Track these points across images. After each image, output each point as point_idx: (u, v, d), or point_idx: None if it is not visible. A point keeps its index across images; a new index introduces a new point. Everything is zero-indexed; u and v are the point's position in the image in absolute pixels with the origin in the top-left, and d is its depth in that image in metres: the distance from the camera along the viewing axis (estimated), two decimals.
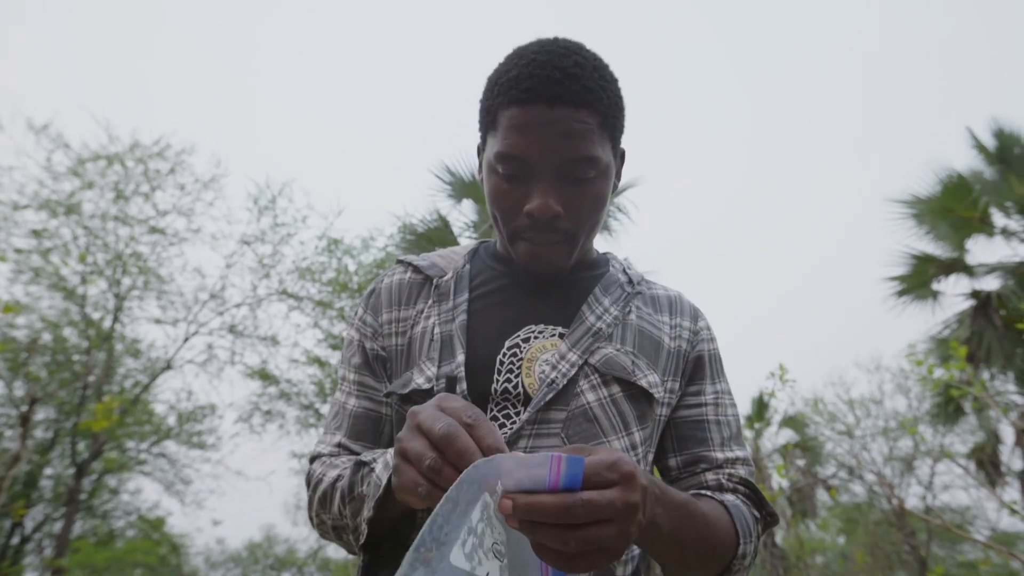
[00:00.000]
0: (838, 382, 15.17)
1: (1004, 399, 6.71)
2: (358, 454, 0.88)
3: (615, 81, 0.85)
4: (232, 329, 9.85)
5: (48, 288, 9.07)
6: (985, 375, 6.47)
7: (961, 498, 12.95)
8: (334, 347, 9.19)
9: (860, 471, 10.89)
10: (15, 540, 10.64)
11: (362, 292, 8.77)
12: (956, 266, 6.96)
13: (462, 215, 6.99)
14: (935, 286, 7.08)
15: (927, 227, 7.03)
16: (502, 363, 0.85)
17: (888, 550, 10.94)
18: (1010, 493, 7.83)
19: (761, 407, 9.90)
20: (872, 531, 11.22)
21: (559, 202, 0.82)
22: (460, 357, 0.84)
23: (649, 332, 0.92)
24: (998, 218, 6.79)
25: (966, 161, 7.42)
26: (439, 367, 0.85)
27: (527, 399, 0.83)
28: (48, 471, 10.90)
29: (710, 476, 0.89)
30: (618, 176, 0.91)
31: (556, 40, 0.84)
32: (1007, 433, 7.57)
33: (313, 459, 0.91)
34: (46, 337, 9.13)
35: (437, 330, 0.88)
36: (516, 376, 0.84)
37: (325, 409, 9.64)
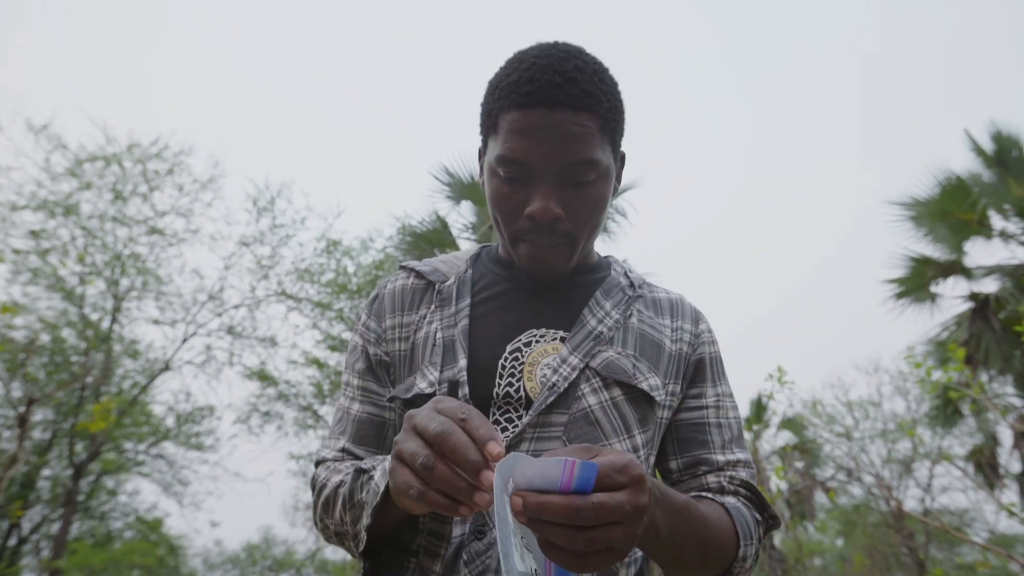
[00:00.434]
0: (837, 384, 15.18)
1: (1002, 401, 6.72)
2: (362, 459, 0.89)
3: (615, 85, 0.86)
4: (231, 330, 9.84)
5: (46, 289, 9.06)
6: (983, 377, 6.48)
7: (959, 500, 12.97)
8: (333, 348, 9.18)
9: (859, 473, 10.90)
10: (12, 541, 10.62)
11: (361, 293, 8.82)
12: (954, 268, 6.97)
13: (461, 216, 7.00)
14: (934, 288, 7.08)
15: (926, 229, 7.04)
16: (504, 367, 0.85)
17: (886, 552, 10.95)
18: (1008, 495, 7.84)
19: (760, 409, 9.90)
20: (870, 533, 11.23)
21: (560, 205, 0.82)
22: (462, 362, 0.85)
23: (650, 335, 0.92)
24: (996, 220, 6.80)
25: (964, 164, 7.43)
26: (442, 372, 0.85)
27: (529, 403, 0.83)
28: (46, 472, 10.88)
29: (711, 479, 0.89)
30: (618, 179, 0.92)
31: (556, 44, 0.85)
32: (1005, 435, 7.58)
33: (318, 463, 0.92)
34: (44, 338, 9.12)
35: (440, 335, 0.89)
36: (518, 380, 0.84)
37: (324, 410, 9.64)
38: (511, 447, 0.80)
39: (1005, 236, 6.75)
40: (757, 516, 0.86)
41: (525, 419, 0.81)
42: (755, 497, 0.88)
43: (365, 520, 0.74)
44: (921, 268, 7.06)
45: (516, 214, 0.84)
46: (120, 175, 9.18)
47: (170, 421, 11.08)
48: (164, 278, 9.75)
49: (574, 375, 0.84)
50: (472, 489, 0.55)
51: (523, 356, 0.86)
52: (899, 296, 7.18)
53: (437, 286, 0.94)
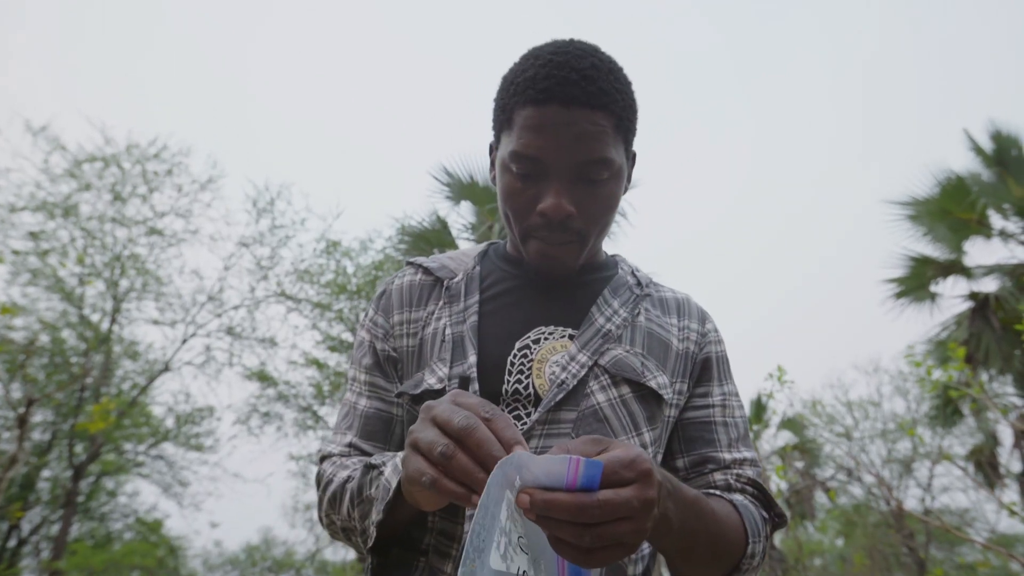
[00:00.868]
0: (836, 384, 15.17)
1: (1002, 401, 6.72)
2: (369, 454, 0.89)
3: (629, 84, 0.86)
4: (230, 331, 9.84)
5: (46, 290, 9.06)
6: (983, 377, 6.48)
7: (960, 500, 12.96)
8: (332, 349, 9.18)
9: (859, 473, 10.90)
10: (12, 542, 10.61)
11: (360, 294, 8.82)
12: (954, 268, 6.97)
13: (460, 217, 6.99)
14: (933, 288, 7.09)
15: (925, 229, 7.04)
16: (513, 364, 0.85)
17: (887, 552, 10.95)
18: (1009, 495, 7.84)
19: (760, 409, 9.90)
20: (871, 533, 11.23)
21: (572, 202, 0.82)
22: (472, 358, 0.85)
23: (658, 334, 0.92)
24: (996, 220, 6.81)
25: (964, 163, 7.43)
26: (451, 368, 0.85)
27: (537, 400, 0.83)
28: (46, 473, 10.87)
29: (718, 476, 0.89)
30: (628, 179, 0.92)
31: (572, 42, 0.85)
32: (1005, 435, 7.58)
33: (323, 458, 0.92)
34: (44, 339, 9.11)
35: (448, 331, 0.88)
36: (527, 377, 0.84)
37: (324, 411, 9.63)
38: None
39: (1004, 235, 6.75)
40: (764, 514, 0.87)
41: (534, 416, 0.81)
42: (762, 495, 0.88)
43: (375, 516, 0.74)
44: (921, 268, 7.07)
45: (528, 210, 0.84)
46: (119, 176, 9.19)
47: (170, 422, 11.08)
48: (163, 279, 9.76)
49: (583, 372, 0.84)
50: None
51: (532, 353, 0.86)
52: (899, 296, 7.18)
53: (445, 282, 0.94)
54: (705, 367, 0.95)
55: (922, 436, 8.94)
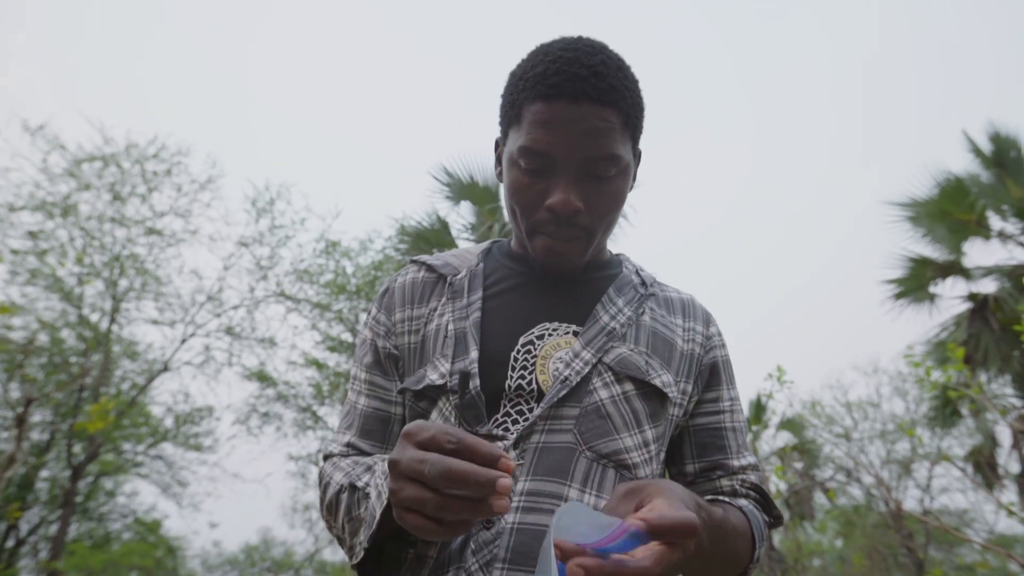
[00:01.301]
0: (836, 385, 15.20)
1: (1001, 402, 6.72)
2: (367, 453, 0.90)
3: (637, 83, 0.87)
4: (230, 331, 9.84)
5: (44, 289, 9.05)
6: (982, 378, 6.48)
7: (959, 501, 12.96)
8: (332, 349, 9.18)
9: (858, 474, 10.91)
10: (10, 542, 10.59)
11: (359, 295, 8.82)
12: (953, 269, 6.97)
13: (460, 217, 6.99)
14: (932, 289, 7.09)
15: (924, 230, 7.04)
16: (516, 360, 0.85)
17: (886, 553, 10.95)
18: (1007, 495, 7.84)
19: (759, 409, 9.90)
20: (870, 534, 11.22)
21: (580, 198, 0.83)
22: (474, 353, 0.85)
23: (662, 333, 0.93)
24: (995, 221, 6.81)
25: (963, 164, 7.44)
26: (453, 363, 0.85)
27: (540, 395, 0.83)
28: (44, 473, 10.86)
29: (725, 483, 0.91)
30: (634, 177, 0.92)
31: (581, 39, 0.85)
32: (1004, 435, 7.58)
33: (326, 457, 0.93)
34: (43, 338, 9.10)
35: (451, 327, 0.89)
36: (530, 373, 0.84)
37: (323, 411, 9.64)
38: (522, 439, 0.81)
39: (1003, 236, 6.76)
40: (765, 517, 0.89)
41: (536, 411, 0.82)
42: (763, 499, 0.90)
43: (364, 542, 0.75)
44: (920, 268, 7.07)
45: (535, 206, 0.85)
46: (118, 176, 9.18)
47: (169, 422, 11.08)
48: (163, 279, 9.75)
49: (586, 370, 0.84)
50: (493, 479, 0.54)
51: (536, 349, 0.86)
52: (898, 296, 7.19)
53: (449, 279, 0.94)
54: (713, 372, 0.96)
55: (921, 437, 8.95)
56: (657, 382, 0.87)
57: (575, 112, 0.79)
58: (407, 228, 7.13)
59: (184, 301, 9.80)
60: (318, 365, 9.26)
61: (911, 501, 11.57)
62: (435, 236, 6.81)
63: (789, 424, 10.83)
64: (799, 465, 10.74)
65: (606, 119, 0.80)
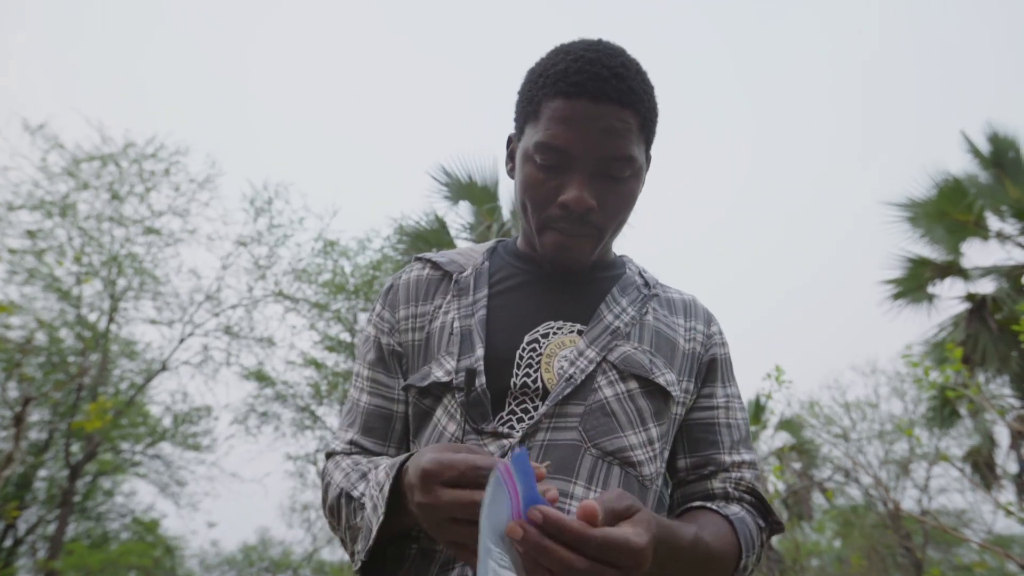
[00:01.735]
0: (834, 385, 15.21)
1: (999, 402, 6.72)
2: (370, 451, 0.91)
3: (653, 88, 0.88)
4: (228, 330, 9.83)
5: (43, 289, 9.04)
6: (980, 378, 6.48)
7: (957, 501, 12.97)
8: (330, 349, 9.17)
9: (856, 474, 10.91)
10: (8, 542, 10.57)
11: (358, 294, 8.81)
12: (951, 269, 6.98)
13: (459, 217, 6.98)
14: (931, 289, 7.09)
15: (923, 230, 7.05)
16: (521, 358, 0.86)
17: (884, 553, 10.95)
18: (1005, 495, 7.85)
19: (758, 409, 9.90)
20: (868, 534, 11.23)
21: (593, 196, 0.83)
22: (479, 351, 0.85)
23: (665, 333, 0.93)
24: (993, 222, 6.82)
25: (961, 165, 7.45)
26: (459, 360, 0.86)
27: (546, 393, 0.84)
28: (42, 473, 10.84)
29: (716, 483, 0.90)
30: (644, 181, 0.93)
31: (601, 41, 0.87)
32: (1002, 436, 7.59)
33: (328, 455, 0.93)
34: (41, 338, 9.09)
35: (456, 324, 0.89)
36: (535, 371, 0.85)
37: (322, 411, 9.63)
38: (527, 436, 0.81)
39: (1002, 237, 6.76)
40: (761, 522, 0.88)
41: (541, 409, 0.82)
42: (759, 503, 0.89)
43: (361, 553, 0.75)
44: (918, 269, 7.08)
45: (548, 201, 0.85)
46: (117, 175, 9.17)
47: (167, 421, 11.07)
48: (161, 278, 9.74)
49: (591, 368, 0.85)
50: None
51: (540, 347, 0.86)
52: (896, 297, 7.19)
53: (455, 276, 0.95)
54: (710, 369, 0.97)
55: (919, 437, 8.96)
56: (661, 380, 0.87)
57: (595, 111, 0.80)
58: (405, 228, 7.13)
59: (182, 300, 9.80)
60: (316, 365, 9.26)
61: (909, 501, 11.58)
62: (433, 236, 6.81)
63: (787, 424, 10.84)
64: (797, 465, 10.75)
65: (624, 120, 0.81)
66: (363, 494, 0.78)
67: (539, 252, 0.91)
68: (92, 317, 9.62)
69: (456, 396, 0.84)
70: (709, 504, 0.86)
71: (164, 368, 9.95)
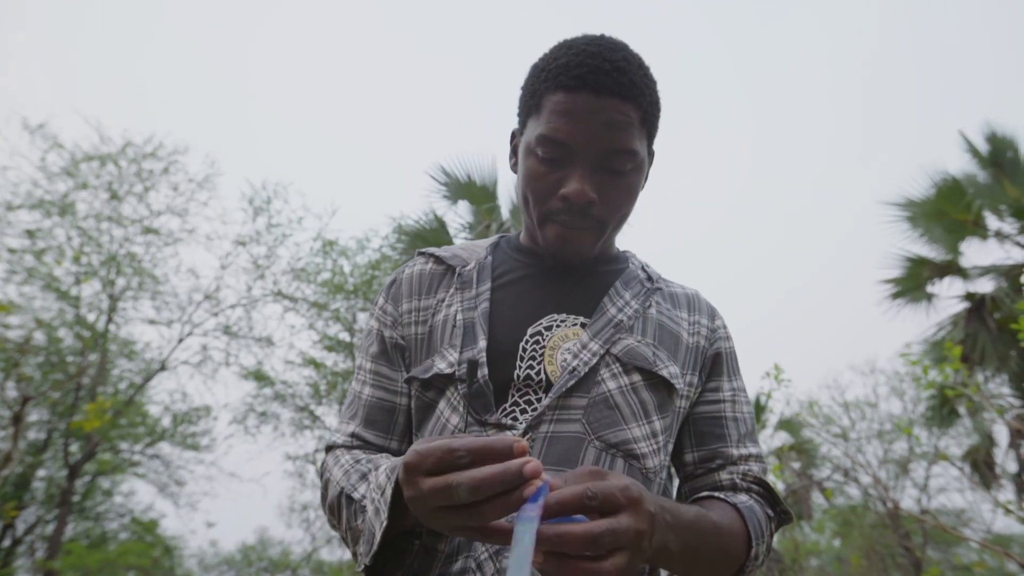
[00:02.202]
0: (833, 385, 15.21)
1: (998, 401, 6.73)
2: (372, 444, 0.91)
3: (656, 83, 0.88)
4: (227, 330, 9.83)
5: (42, 288, 9.03)
6: (979, 377, 6.49)
7: (956, 500, 12.97)
8: (329, 348, 9.17)
9: (855, 473, 10.92)
10: (7, 542, 10.56)
11: (357, 294, 8.81)
12: (950, 269, 6.99)
13: (458, 216, 6.99)
14: (929, 288, 7.10)
15: (921, 230, 7.06)
16: (524, 350, 0.86)
17: (883, 552, 10.96)
18: (1005, 494, 7.86)
19: (757, 409, 9.91)
20: (867, 533, 11.23)
21: (594, 190, 0.84)
22: (482, 343, 0.85)
23: (669, 327, 0.93)
24: (992, 221, 6.83)
25: (960, 164, 7.45)
26: (461, 353, 0.86)
27: (549, 386, 0.84)
28: (41, 472, 10.83)
29: (724, 476, 0.90)
30: (647, 176, 0.94)
31: (603, 36, 0.87)
32: (1001, 435, 7.60)
33: (328, 449, 0.92)
34: (39, 337, 9.08)
35: (459, 317, 0.89)
36: (538, 363, 0.85)
37: (321, 411, 9.63)
38: (531, 428, 0.81)
39: (1000, 236, 6.77)
40: (769, 512, 0.87)
41: (545, 401, 0.82)
42: (767, 493, 0.89)
43: (365, 558, 0.74)
44: (917, 268, 7.08)
45: (549, 194, 0.86)
46: (116, 175, 9.17)
47: (166, 421, 11.05)
48: (160, 278, 9.74)
49: (594, 360, 0.85)
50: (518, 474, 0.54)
51: (544, 340, 0.87)
52: (895, 296, 7.20)
53: (458, 270, 0.95)
54: (715, 362, 0.97)
55: (918, 436, 8.96)
56: (664, 373, 0.87)
57: (596, 104, 0.80)
58: (404, 227, 7.14)
59: (181, 300, 9.80)
60: (316, 364, 9.25)
61: (909, 501, 11.59)
62: (432, 235, 6.81)
63: (787, 424, 10.85)
64: (797, 465, 10.76)
65: (626, 114, 0.82)
66: (364, 496, 0.77)
67: (541, 245, 0.91)
68: (91, 317, 9.61)
69: (459, 388, 0.84)
70: (717, 494, 0.86)
71: (163, 368, 9.94)
